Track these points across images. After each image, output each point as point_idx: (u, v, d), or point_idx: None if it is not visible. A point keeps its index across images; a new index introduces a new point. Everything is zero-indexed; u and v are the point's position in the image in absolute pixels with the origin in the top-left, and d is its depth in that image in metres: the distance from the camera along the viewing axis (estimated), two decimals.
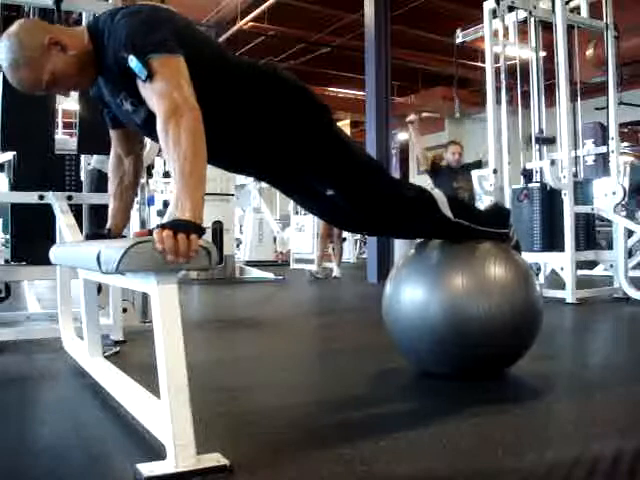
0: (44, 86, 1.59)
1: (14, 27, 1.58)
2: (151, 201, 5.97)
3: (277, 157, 1.77)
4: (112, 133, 1.89)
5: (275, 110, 1.68)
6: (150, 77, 1.38)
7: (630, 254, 5.15)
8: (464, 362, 1.96)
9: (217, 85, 1.59)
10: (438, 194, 2.01)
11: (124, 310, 2.82)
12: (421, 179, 7.31)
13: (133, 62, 1.39)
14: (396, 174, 14.39)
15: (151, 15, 1.51)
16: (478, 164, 5.49)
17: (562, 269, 4.30)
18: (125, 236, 2.09)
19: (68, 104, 4.63)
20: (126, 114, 1.63)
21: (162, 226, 1.24)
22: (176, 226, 1.22)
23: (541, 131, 4.78)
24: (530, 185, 4.57)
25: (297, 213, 10.00)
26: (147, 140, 2.16)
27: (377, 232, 2.09)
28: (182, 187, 1.29)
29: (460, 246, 2.02)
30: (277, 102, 1.68)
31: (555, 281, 4.74)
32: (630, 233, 4.80)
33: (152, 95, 1.39)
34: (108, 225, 1.97)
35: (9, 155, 2.91)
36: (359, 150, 1.97)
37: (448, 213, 1.97)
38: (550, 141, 4.70)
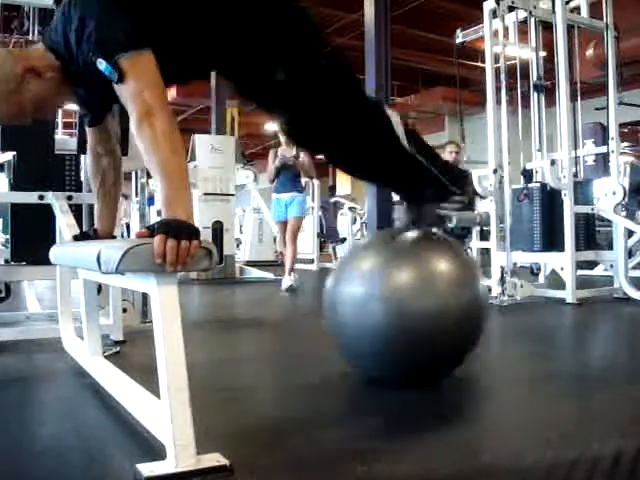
0: (29, 116, 1.57)
1: None
2: (151, 201, 5.97)
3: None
4: (90, 132, 1.87)
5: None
6: (120, 79, 1.37)
7: (630, 254, 5.15)
8: (413, 364, 1.86)
9: None
10: (393, 114, 1.89)
11: (124, 310, 2.82)
12: None
13: (102, 65, 1.38)
14: None
15: (107, 7, 1.45)
16: None
17: (562, 269, 4.30)
18: (115, 236, 2.09)
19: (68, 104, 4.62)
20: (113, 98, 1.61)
21: (164, 232, 1.21)
22: (177, 232, 1.21)
23: (539, 78, 4.80)
24: (530, 185, 4.57)
25: None
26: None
27: (323, 145, 1.87)
28: (168, 186, 1.29)
29: (402, 244, 1.92)
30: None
31: (555, 281, 4.74)
32: (630, 233, 4.80)
33: (125, 96, 1.39)
34: (95, 225, 1.97)
35: (9, 155, 2.91)
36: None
37: (401, 134, 1.85)
38: (546, 88, 4.73)
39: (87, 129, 1.89)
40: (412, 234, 1.97)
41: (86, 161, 2.00)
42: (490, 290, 4.50)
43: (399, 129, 1.85)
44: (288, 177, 5.60)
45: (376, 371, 1.95)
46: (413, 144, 1.89)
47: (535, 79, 4.85)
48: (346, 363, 2.05)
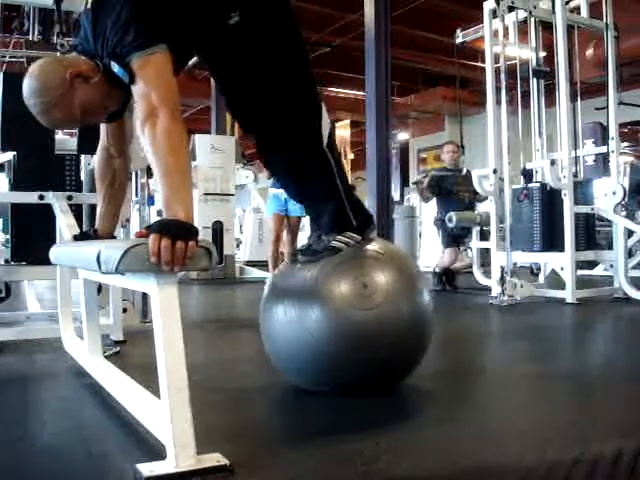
0: (79, 120, 1.60)
1: (33, 70, 1.57)
2: (151, 201, 5.97)
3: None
4: (106, 129, 1.87)
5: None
6: (131, 80, 1.40)
7: (630, 254, 5.15)
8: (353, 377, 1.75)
9: None
10: (325, 115, 1.83)
11: (124, 310, 2.82)
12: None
13: (115, 68, 1.42)
14: (396, 174, 14.39)
15: (125, 8, 1.46)
16: None
17: (562, 269, 4.30)
18: (115, 237, 2.09)
19: None
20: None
21: (158, 231, 1.21)
22: (174, 232, 1.21)
23: (539, 64, 4.80)
24: (530, 185, 4.57)
25: None
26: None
27: (255, 119, 1.83)
28: (167, 185, 1.30)
29: (342, 255, 1.79)
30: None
31: (555, 281, 4.75)
32: (630, 233, 4.80)
33: (135, 97, 1.41)
34: (96, 225, 1.97)
35: (9, 155, 2.91)
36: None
37: (324, 133, 1.80)
38: (546, 74, 4.72)
39: (106, 129, 1.88)
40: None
41: (94, 160, 1.99)
42: (490, 290, 4.51)
43: (325, 126, 1.80)
44: None
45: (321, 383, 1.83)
46: (332, 152, 1.83)
47: (535, 65, 4.84)
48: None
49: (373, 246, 1.86)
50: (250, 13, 1.68)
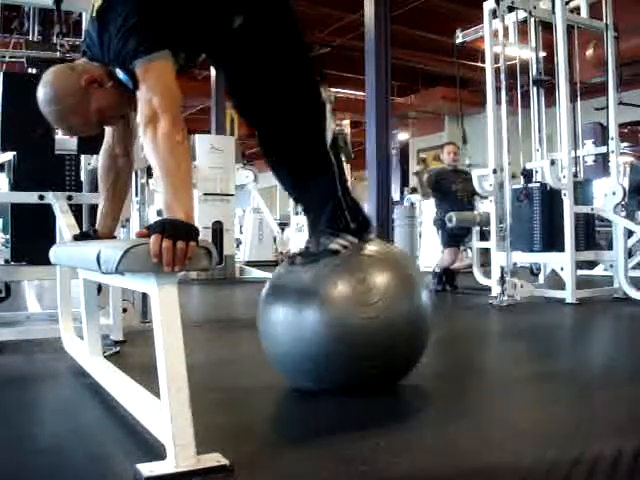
0: (96, 125, 1.63)
1: (48, 78, 1.59)
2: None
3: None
4: (117, 128, 1.87)
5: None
6: (135, 85, 1.42)
7: (630, 254, 5.15)
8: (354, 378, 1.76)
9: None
10: (330, 115, 1.87)
11: (124, 310, 2.82)
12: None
13: (120, 74, 1.44)
14: (396, 174, 14.38)
15: (129, 15, 1.48)
16: None
17: (562, 269, 4.30)
18: (115, 237, 2.10)
19: None
20: None
21: (159, 232, 1.21)
22: (174, 232, 1.21)
23: (539, 73, 4.80)
24: (530, 185, 4.57)
25: (297, 213, 10.02)
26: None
27: (260, 116, 1.87)
28: (168, 186, 1.31)
29: (340, 256, 1.79)
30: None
31: (555, 281, 4.75)
32: (630, 233, 4.80)
33: (138, 102, 1.43)
34: (96, 225, 1.97)
35: (9, 155, 2.91)
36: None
37: (328, 134, 1.83)
38: (546, 82, 4.73)
39: (112, 129, 1.88)
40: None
41: (98, 159, 2.00)
42: (490, 290, 4.51)
43: (328, 128, 1.83)
44: None
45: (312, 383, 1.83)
46: (335, 148, 1.86)
47: (535, 74, 4.84)
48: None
49: (371, 247, 1.86)
50: (253, 16, 1.72)
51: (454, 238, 5.38)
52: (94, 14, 1.57)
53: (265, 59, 1.76)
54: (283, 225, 11.41)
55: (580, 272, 4.62)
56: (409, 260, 1.96)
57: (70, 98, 1.56)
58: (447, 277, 5.40)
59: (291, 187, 1.96)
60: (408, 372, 1.87)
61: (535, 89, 4.95)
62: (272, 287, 1.91)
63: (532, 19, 4.80)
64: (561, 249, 4.26)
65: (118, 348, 2.53)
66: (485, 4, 4.66)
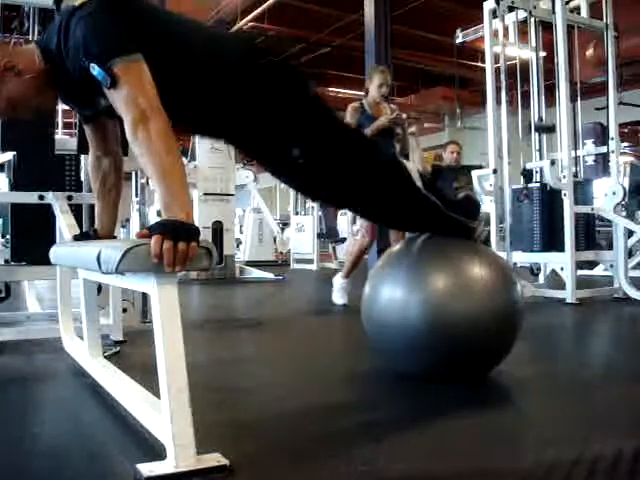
0: (3, 112, 1.60)
1: None
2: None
3: (255, 120, 1.71)
4: (89, 133, 1.88)
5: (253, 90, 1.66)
6: (114, 84, 1.38)
7: (630, 254, 5.15)
8: (446, 364, 1.92)
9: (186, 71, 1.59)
10: (408, 163, 1.99)
11: (124, 310, 2.82)
12: None
13: (95, 70, 1.39)
14: None
15: (105, 13, 1.46)
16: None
17: (562, 269, 4.30)
18: (116, 236, 2.10)
19: None
20: (103, 108, 1.61)
21: (161, 232, 1.20)
22: (175, 233, 1.20)
23: (540, 119, 4.77)
24: (530, 185, 4.57)
25: (297, 213, 10.02)
26: None
27: (347, 201, 2.05)
28: (166, 187, 1.29)
29: (441, 245, 2.00)
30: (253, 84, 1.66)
31: (555, 281, 4.75)
32: (630, 233, 4.80)
33: (118, 102, 1.39)
34: (95, 225, 1.97)
35: (9, 155, 2.91)
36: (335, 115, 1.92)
37: (418, 182, 1.93)
38: (550, 129, 4.70)
39: (86, 130, 1.89)
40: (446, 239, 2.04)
41: (87, 161, 2.00)
42: None
43: (414, 176, 1.93)
44: (387, 147, 3.91)
45: (411, 367, 2.01)
46: (427, 185, 1.97)
47: (536, 120, 4.82)
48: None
49: (471, 242, 2.05)
50: (309, 147, 1.75)
51: None
52: (76, 3, 1.51)
53: (336, 171, 1.81)
54: (283, 225, 11.42)
55: (580, 272, 4.62)
56: (500, 257, 2.22)
57: None
58: None
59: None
60: (494, 366, 2.01)
61: (535, 86, 4.94)
62: (383, 267, 2.08)
63: (532, 19, 4.79)
64: (561, 249, 4.26)
65: (118, 348, 2.53)
66: (485, 4, 4.66)
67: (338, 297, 4.19)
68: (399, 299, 1.91)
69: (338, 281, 4.24)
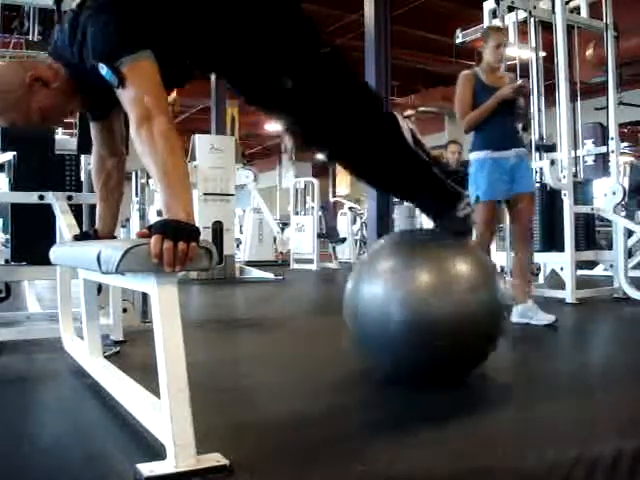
0: (38, 123, 1.62)
1: None
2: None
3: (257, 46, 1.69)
4: (95, 132, 1.88)
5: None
6: (121, 83, 1.39)
7: (630, 254, 5.15)
8: (428, 364, 1.90)
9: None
10: (399, 117, 1.95)
11: (124, 310, 2.82)
12: None
13: (104, 70, 1.41)
14: None
15: (112, 11, 1.47)
16: None
17: (562, 269, 4.30)
18: (116, 237, 2.10)
19: None
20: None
21: (161, 232, 1.21)
22: (176, 233, 1.21)
23: (541, 138, 4.77)
24: None
25: (297, 213, 10.02)
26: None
27: (340, 148, 1.97)
28: (167, 187, 1.29)
29: (424, 244, 2.00)
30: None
31: (555, 281, 4.74)
32: (630, 233, 4.80)
33: (125, 101, 1.41)
34: (96, 226, 1.97)
35: (9, 155, 2.91)
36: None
37: (408, 137, 1.92)
38: (550, 148, 4.69)
39: (92, 130, 1.89)
40: (430, 236, 2.06)
41: (91, 160, 2.01)
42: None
43: (405, 130, 1.91)
44: (507, 122, 3.36)
45: (393, 368, 2.01)
46: (416, 143, 1.94)
47: (537, 139, 4.81)
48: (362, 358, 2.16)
49: (456, 240, 2.03)
50: (301, 77, 1.72)
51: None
52: (74, 7, 1.55)
53: (327, 106, 1.78)
54: (283, 225, 11.42)
55: (580, 272, 4.62)
56: (485, 256, 2.19)
57: (11, 94, 1.56)
58: None
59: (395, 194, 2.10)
60: (480, 363, 1.98)
61: (535, 85, 4.93)
62: (363, 267, 2.07)
63: (532, 19, 4.79)
64: (561, 249, 4.26)
65: (118, 348, 2.53)
66: (485, 4, 4.66)
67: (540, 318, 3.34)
68: (381, 297, 1.90)
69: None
